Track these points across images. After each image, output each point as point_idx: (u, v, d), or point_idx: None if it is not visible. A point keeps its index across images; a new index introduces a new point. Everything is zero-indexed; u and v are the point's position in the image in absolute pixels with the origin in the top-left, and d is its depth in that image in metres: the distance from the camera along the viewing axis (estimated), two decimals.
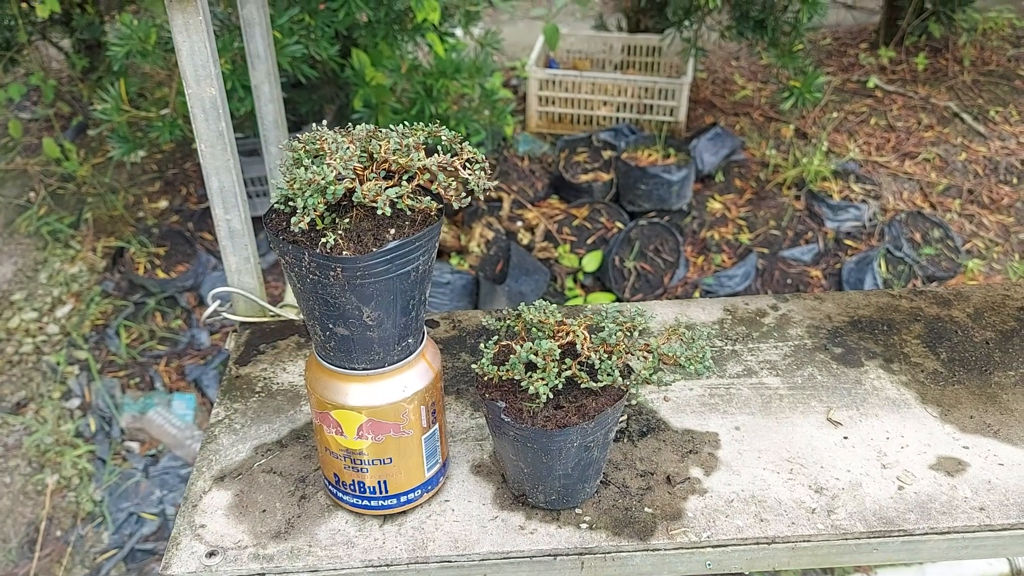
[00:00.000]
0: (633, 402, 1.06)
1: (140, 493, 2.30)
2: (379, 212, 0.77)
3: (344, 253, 0.77)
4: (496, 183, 3.13)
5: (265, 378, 1.15)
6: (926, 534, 0.93)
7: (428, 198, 0.80)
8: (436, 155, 0.82)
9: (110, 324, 2.73)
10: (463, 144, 0.84)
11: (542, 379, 0.84)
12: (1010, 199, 3.25)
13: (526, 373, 0.86)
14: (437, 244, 0.84)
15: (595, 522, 0.93)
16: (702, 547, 0.92)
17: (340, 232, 0.78)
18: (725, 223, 3.11)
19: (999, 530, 0.93)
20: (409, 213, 0.81)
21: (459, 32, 2.61)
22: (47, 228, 3.04)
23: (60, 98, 3.49)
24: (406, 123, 0.86)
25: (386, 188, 0.78)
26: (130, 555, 2.17)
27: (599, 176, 3.22)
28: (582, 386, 0.86)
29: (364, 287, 0.78)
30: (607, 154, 3.30)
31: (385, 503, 0.92)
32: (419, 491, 0.94)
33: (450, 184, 0.81)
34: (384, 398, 0.86)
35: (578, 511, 0.94)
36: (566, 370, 0.86)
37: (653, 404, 1.09)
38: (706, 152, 3.27)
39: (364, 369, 0.85)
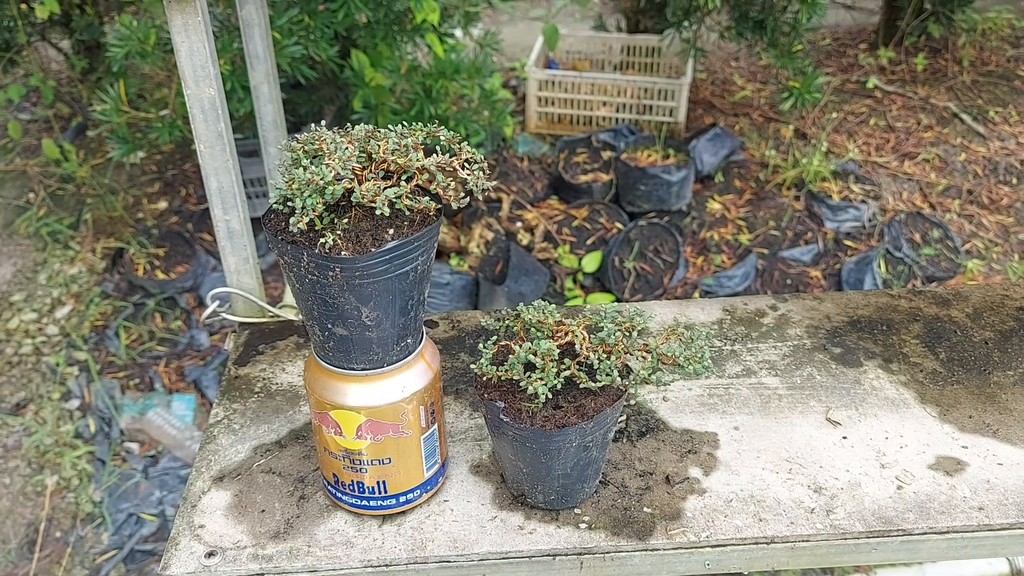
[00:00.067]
0: (632, 402, 1.06)
1: (140, 494, 2.30)
2: (378, 212, 0.77)
3: (343, 253, 0.77)
4: (495, 184, 3.13)
5: (264, 379, 1.15)
6: (925, 534, 0.93)
7: (427, 198, 0.80)
8: (435, 155, 0.82)
9: (109, 325, 2.73)
10: (462, 144, 0.84)
11: (541, 379, 0.84)
12: (1009, 199, 3.25)
13: (525, 373, 0.86)
14: (436, 244, 0.84)
15: (594, 522, 0.93)
16: (701, 547, 0.92)
17: (339, 232, 0.78)
18: (724, 223, 3.11)
19: (998, 530, 0.93)
20: (408, 213, 0.81)
21: (458, 33, 2.61)
22: (47, 229, 3.04)
23: (59, 99, 3.49)
24: (404, 123, 0.86)
25: (385, 188, 0.78)
26: (130, 556, 2.17)
27: (599, 177, 3.22)
28: (581, 386, 0.86)
29: (363, 287, 0.78)
30: (606, 155, 3.30)
31: (384, 503, 0.92)
32: (418, 491, 0.94)
33: (449, 184, 0.81)
34: (383, 398, 0.86)
35: (577, 511, 0.95)
36: (565, 370, 0.86)
37: (652, 404, 1.09)
38: (705, 152, 3.27)
39: (363, 369, 0.85)
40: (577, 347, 0.87)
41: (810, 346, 1.19)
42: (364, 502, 0.92)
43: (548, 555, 0.91)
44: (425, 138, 0.84)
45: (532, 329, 0.90)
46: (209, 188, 1.08)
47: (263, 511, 0.95)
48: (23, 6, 2.80)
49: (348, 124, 0.87)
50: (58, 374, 2.58)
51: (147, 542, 2.20)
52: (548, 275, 2.87)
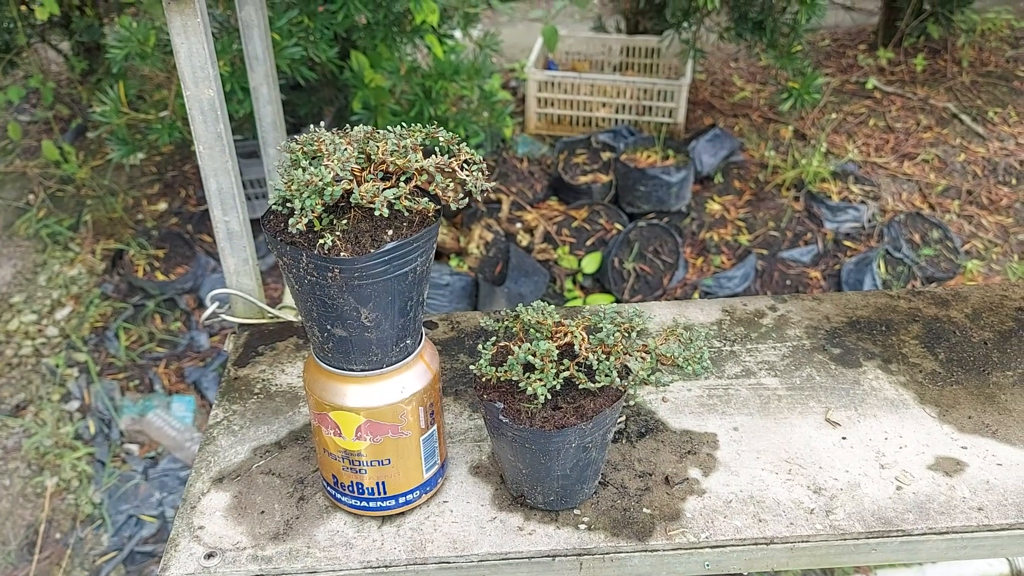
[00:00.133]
0: (631, 403, 1.06)
1: (139, 495, 2.30)
2: (377, 213, 0.77)
3: (342, 254, 0.77)
4: (495, 185, 3.13)
5: (264, 380, 1.15)
6: (924, 534, 0.93)
7: (426, 199, 0.80)
8: (433, 156, 0.82)
9: (109, 326, 2.73)
10: (460, 145, 0.84)
11: (540, 380, 0.84)
12: (1009, 200, 3.25)
13: (524, 374, 0.86)
14: (435, 245, 0.84)
15: (593, 523, 0.93)
16: (700, 548, 0.92)
17: (338, 233, 0.78)
18: (724, 224, 3.11)
19: (997, 530, 0.93)
20: (407, 214, 0.81)
21: (458, 34, 2.61)
22: (46, 230, 3.04)
23: (59, 100, 3.49)
24: (404, 125, 0.86)
25: (384, 189, 0.78)
26: (129, 557, 2.17)
27: (598, 177, 3.23)
28: (580, 387, 0.86)
29: (362, 288, 0.79)
30: (606, 155, 3.30)
31: (383, 504, 0.92)
32: (417, 492, 0.94)
33: (448, 185, 0.81)
34: (382, 399, 0.86)
35: (577, 512, 0.95)
36: (564, 371, 0.86)
37: (651, 405, 1.09)
38: (705, 153, 3.27)
39: (362, 370, 0.85)
40: (576, 348, 0.87)
41: (809, 347, 1.19)
42: (363, 503, 0.92)
43: (547, 556, 0.91)
44: (424, 139, 0.84)
45: (531, 330, 0.90)
46: (208, 189, 1.08)
47: (262, 512, 0.95)
48: (23, 7, 2.80)
49: (348, 125, 0.87)
50: (58, 375, 2.58)
51: (147, 543, 2.20)
52: (548, 276, 2.87)
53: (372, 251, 0.77)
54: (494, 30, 2.68)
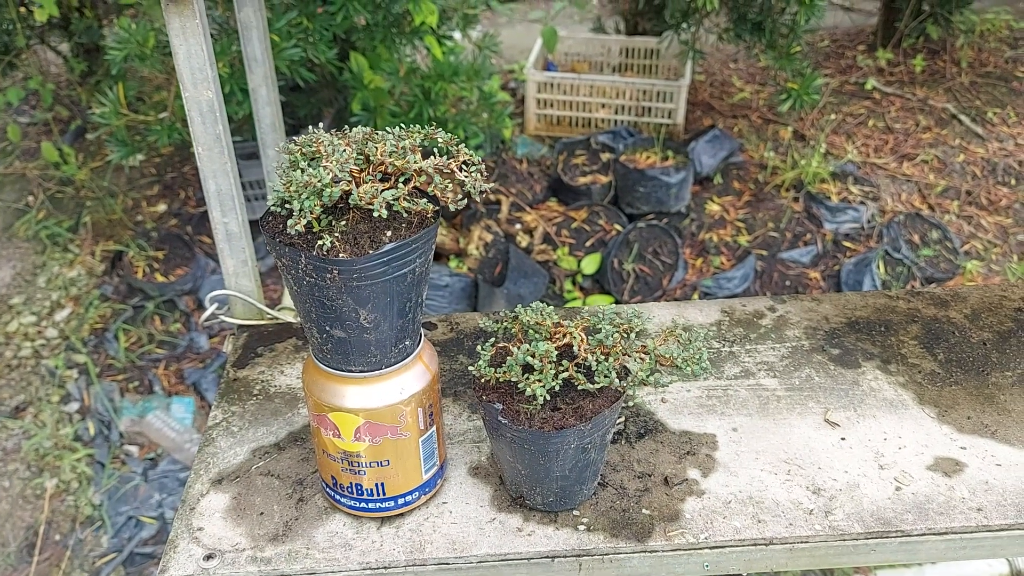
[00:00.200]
0: (630, 404, 1.06)
1: (139, 497, 2.30)
2: (375, 214, 0.77)
3: (340, 255, 0.77)
4: (494, 186, 3.13)
5: (263, 381, 1.15)
6: (924, 535, 0.93)
7: (425, 200, 0.80)
8: (432, 157, 0.82)
9: (109, 328, 2.73)
10: (459, 146, 0.84)
11: (539, 381, 0.84)
12: (1008, 200, 3.25)
13: (523, 375, 0.86)
14: (434, 246, 0.84)
15: (593, 524, 0.93)
16: (700, 548, 0.92)
17: (336, 234, 0.78)
18: (724, 225, 3.11)
19: (997, 530, 0.93)
20: (406, 215, 0.81)
21: (457, 35, 2.62)
22: (46, 232, 3.04)
23: (58, 102, 3.49)
24: (402, 126, 0.86)
25: (382, 190, 0.78)
26: (129, 559, 2.17)
27: (597, 178, 3.23)
28: (579, 388, 0.86)
29: (361, 289, 0.79)
30: (605, 156, 3.30)
31: (383, 505, 0.92)
32: (417, 493, 0.94)
33: (446, 186, 0.81)
34: (381, 400, 0.86)
35: (576, 513, 0.95)
36: (563, 372, 0.86)
37: (651, 406, 1.09)
38: (704, 154, 3.27)
39: (361, 371, 0.85)
40: (575, 349, 0.87)
41: (808, 347, 1.19)
42: (363, 504, 0.92)
43: (547, 557, 0.91)
44: (423, 140, 0.84)
45: (530, 331, 0.90)
46: (208, 191, 1.08)
47: (262, 513, 0.95)
48: (22, 9, 2.80)
49: (347, 127, 0.87)
50: (57, 377, 2.58)
51: (146, 545, 2.20)
52: (547, 277, 2.87)
53: (371, 252, 0.77)
54: (493, 31, 2.69)
